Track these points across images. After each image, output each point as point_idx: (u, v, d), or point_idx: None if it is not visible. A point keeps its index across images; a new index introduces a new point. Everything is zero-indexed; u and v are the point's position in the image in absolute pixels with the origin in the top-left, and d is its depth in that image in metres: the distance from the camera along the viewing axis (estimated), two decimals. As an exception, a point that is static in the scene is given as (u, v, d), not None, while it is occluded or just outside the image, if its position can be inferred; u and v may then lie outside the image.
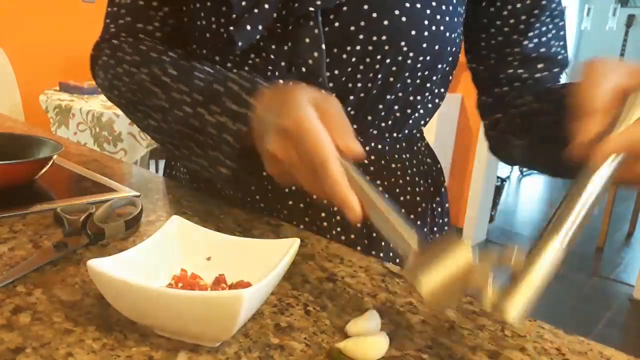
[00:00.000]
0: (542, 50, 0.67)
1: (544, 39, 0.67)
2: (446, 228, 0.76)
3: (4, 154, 0.65)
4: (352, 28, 0.58)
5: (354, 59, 0.59)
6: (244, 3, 0.57)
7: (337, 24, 0.58)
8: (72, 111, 2.30)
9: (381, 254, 0.67)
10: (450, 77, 0.69)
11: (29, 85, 2.78)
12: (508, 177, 5.38)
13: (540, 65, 0.68)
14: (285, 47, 0.59)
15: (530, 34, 0.67)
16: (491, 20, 0.67)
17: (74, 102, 2.39)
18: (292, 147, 0.45)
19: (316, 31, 0.58)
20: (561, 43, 0.69)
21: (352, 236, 0.65)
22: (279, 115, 0.46)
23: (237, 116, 0.52)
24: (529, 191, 5.32)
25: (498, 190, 3.79)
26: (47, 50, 3.09)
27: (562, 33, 0.69)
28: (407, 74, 0.61)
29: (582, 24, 6.45)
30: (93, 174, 0.75)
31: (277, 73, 0.60)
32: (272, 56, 0.60)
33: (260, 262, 0.43)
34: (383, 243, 0.67)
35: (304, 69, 0.59)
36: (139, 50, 0.63)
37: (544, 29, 0.67)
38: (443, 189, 0.75)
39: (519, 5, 0.65)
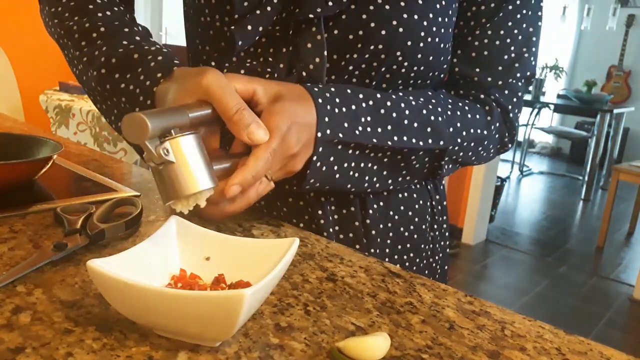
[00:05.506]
0: (485, 53, 0.66)
1: (486, 41, 0.66)
2: (445, 226, 0.77)
3: (4, 154, 0.65)
4: (351, 36, 0.59)
5: (351, 67, 0.60)
6: (246, 4, 0.57)
7: (336, 32, 0.59)
8: (72, 111, 2.31)
9: (378, 250, 0.67)
10: (442, 83, 0.69)
11: (29, 85, 2.78)
12: (508, 177, 5.38)
13: (477, 69, 0.67)
14: (284, 50, 0.60)
15: (478, 32, 0.66)
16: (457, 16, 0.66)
17: (74, 102, 2.39)
18: None
19: (319, 37, 0.58)
20: (513, 55, 0.66)
21: (351, 234, 0.66)
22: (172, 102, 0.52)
23: (146, 91, 0.57)
24: (529, 191, 5.32)
25: (498, 190, 3.79)
26: (47, 50, 3.08)
27: (523, 48, 0.66)
28: (399, 82, 0.62)
29: (582, 24, 6.45)
30: (93, 174, 0.75)
31: (275, 75, 0.60)
32: (270, 59, 0.60)
33: (260, 262, 0.43)
34: (379, 240, 0.67)
35: (304, 73, 0.59)
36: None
37: (491, 32, 0.65)
38: (441, 187, 0.76)
39: (483, 8, 0.65)
